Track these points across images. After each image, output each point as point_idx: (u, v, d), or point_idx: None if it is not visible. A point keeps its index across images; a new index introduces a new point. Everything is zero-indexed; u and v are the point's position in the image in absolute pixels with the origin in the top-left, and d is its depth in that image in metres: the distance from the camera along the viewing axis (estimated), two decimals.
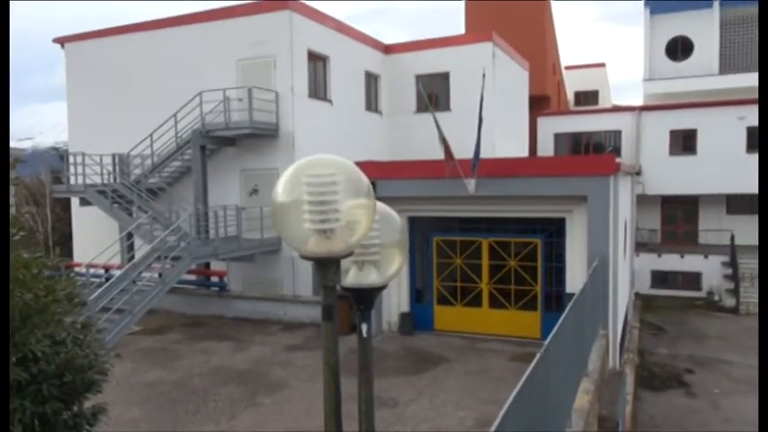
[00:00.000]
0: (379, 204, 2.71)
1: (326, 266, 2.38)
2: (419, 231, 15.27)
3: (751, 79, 29.63)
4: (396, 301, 15.13)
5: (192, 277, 17.65)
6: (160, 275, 14.13)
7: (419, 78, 22.07)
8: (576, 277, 12.93)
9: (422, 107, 21.48)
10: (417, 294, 15.45)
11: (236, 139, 17.92)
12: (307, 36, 18.21)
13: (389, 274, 2.75)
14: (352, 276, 2.71)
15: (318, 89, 19.19)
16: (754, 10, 30.10)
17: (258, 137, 17.47)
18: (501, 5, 28.75)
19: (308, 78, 18.34)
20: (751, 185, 25.60)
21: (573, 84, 38.89)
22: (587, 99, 39.36)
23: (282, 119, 17.64)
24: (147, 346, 14.11)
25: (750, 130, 25.70)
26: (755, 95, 26.91)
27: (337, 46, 19.82)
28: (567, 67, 37.82)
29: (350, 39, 20.73)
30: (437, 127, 13.02)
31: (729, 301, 23.83)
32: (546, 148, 29.40)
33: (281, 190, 2.35)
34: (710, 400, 14.54)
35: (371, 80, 22.34)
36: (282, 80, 17.60)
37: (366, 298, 2.72)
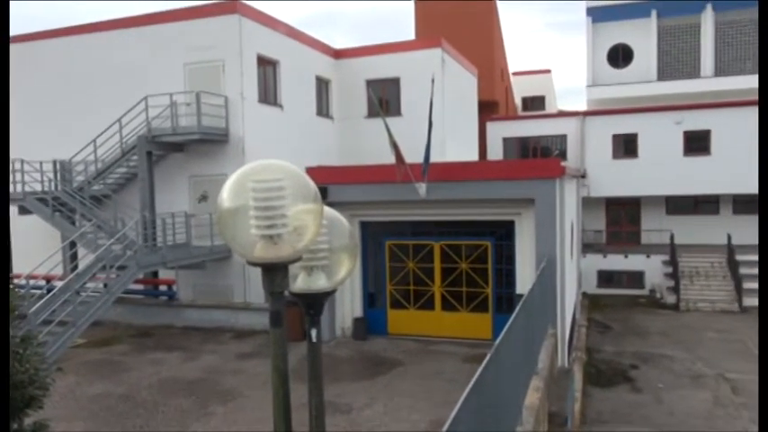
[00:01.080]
0: (328, 209, 2.72)
1: (274, 272, 2.37)
2: (371, 236, 15.31)
3: (687, 86, 31.06)
4: (349, 306, 15.11)
5: (140, 287, 17.17)
6: (105, 286, 13.70)
7: (370, 83, 22.19)
8: (525, 278, 13.22)
9: (373, 112, 21.58)
10: (371, 299, 15.48)
11: (185, 145, 17.57)
12: (256, 40, 18.04)
13: (339, 278, 2.76)
14: (300, 282, 2.70)
15: (269, 94, 19.02)
16: (688, 19, 31.51)
17: (207, 142, 17.18)
18: (450, 13, 29.19)
19: (257, 83, 18.16)
20: (688, 187, 26.81)
21: (520, 89, 39.81)
22: (534, 104, 40.35)
23: (232, 124, 17.40)
24: (93, 359, 13.64)
25: (687, 134, 26.86)
26: (691, 101, 28.20)
27: (288, 50, 19.71)
28: (515, 74, 38.70)
29: (300, 43, 20.65)
30: (388, 132, 13.10)
31: (670, 299, 24.78)
32: (495, 153, 29.96)
33: (226, 196, 2.33)
34: (654, 394, 15.05)
35: (322, 85, 22.31)
36: (232, 85, 17.37)
37: (315, 303, 2.72)
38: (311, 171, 14.61)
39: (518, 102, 39.96)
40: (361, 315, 15.18)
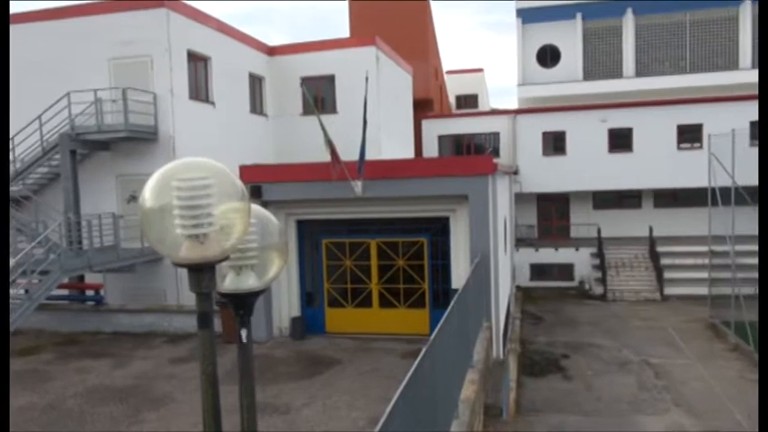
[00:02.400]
0: (257, 207, 2.68)
1: (201, 273, 2.31)
2: (308, 234, 15.21)
3: (611, 86, 32.45)
4: (286, 306, 14.96)
5: (65, 292, 16.39)
6: (27, 292, 12.99)
7: (304, 81, 21.98)
8: (460, 273, 13.47)
9: (308, 110, 21.41)
10: (308, 298, 15.37)
11: (111, 143, 16.89)
12: (186, 36, 17.54)
13: (269, 277, 2.72)
14: (229, 282, 2.65)
15: (200, 91, 18.54)
16: (611, 22, 32.91)
17: (135, 140, 16.57)
18: (384, 11, 29.33)
19: (188, 79, 17.67)
20: (612, 183, 28.01)
21: (454, 88, 40.49)
22: (468, 102, 41.15)
23: (162, 121, 16.86)
24: (15, 370, 12.90)
25: (611, 132, 28.07)
26: (616, 100, 29.49)
27: (219, 47, 19.27)
28: (449, 72, 39.32)
29: (233, 40, 20.22)
30: (323, 130, 13.05)
31: (598, 289, 25.86)
32: (430, 150, 30.37)
33: (148, 195, 2.25)
34: (584, 381, 15.66)
35: (256, 82, 21.95)
36: (161, 81, 16.82)
37: (245, 303, 2.68)
38: (245, 169, 14.39)
39: (452, 100, 40.63)
40: (298, 314, 15.06)
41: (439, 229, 14.47)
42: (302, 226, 15.04)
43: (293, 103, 22.45)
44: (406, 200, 13.85)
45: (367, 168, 13.18)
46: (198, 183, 2.26)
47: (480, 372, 10.19)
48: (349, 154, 13.58)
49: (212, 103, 18.92)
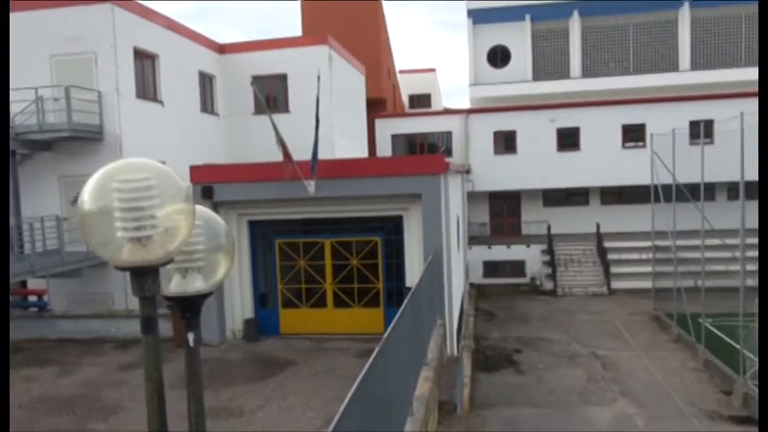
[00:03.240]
0: (203, 209, 2.64)
1: (143, 276, 2.26)
2: (261, 235, 15.05)
3: (559, 86, 33.26)
4: (239, 308, 14.76)
5: None
6: None
7: (256, 79, 21.72)
8: (414, 272, 13.57)
9: (260, 109, 21.16)
10: (262, 299, 15.21)
11: (54, 143, 16.29)
12: (132, 32, 17.07)
13: (216, 279, 2.69)
14: (175, 285, 2.61)
15: (148, 89, 18.08)
16: (558, 24, 33.71)
17: (80, 140, 16.04)
18: (336, 10, 29.25)
19: (135, 78, 17.21)
20: (561, 181, 28.73)
21: (407, 87, 40.71)
22: (421, 102, 41.46)
23: (107, 121, 16.37)
24: None
25: (559, 131, 28.77)
26: (564, 100, 30.25)
27: (168, 44, 18.84)
28: (401, 72, 39.51)
29: (181, 37, 19.80)
30: (274, 129, 12.93)
31: (548, 285, 26.49)
32: (384, 149, 30.47)
33: (87, 197, 2.19)
34: (536, 375, 16.04)
35: (206, 80, 21.56)
36: (106, 79, 16.33)
37: (192, 306, 2.64)
38: (196, 170, 14.12)
39: (405, 99, 40.86)
40: (252, 316, 14.88)
41: (392, 228, 14.54)
42: (255, 226, 14.87)
43: (245, 102, 22.15)
44: (360, 199, 13.87)
45: (320, 168, 13.13)
46: (140, 184, 2.22)
47: (434, 369, 10.29)
48: (302, 153, 13.50)
49: (161, 102, 18.48)
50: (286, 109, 21.85)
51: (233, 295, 14.62)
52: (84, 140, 16.09)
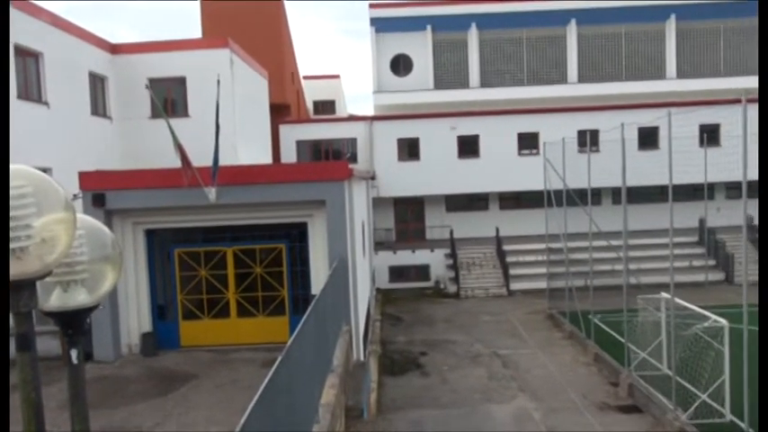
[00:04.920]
0: (86, 218, 2.51)
1: (19, 290, 2.11)
2: (159, 244, 14.41)
3: (460, 95, 34.43)
4: (136, 321, 14.04)
5: None
6: None
7: (153, 82, 20.78)
8: (320, 279, 13.49)
9: (157, 112, 20.28)
10: (160, 311, 14.54)
11: None
12: (11, 28, 15.82)
13: (101, 292, 2.55)
14: (55, 299, 2.45)
15: (31, 90, 16.83)
16: (458, 35, 34.90)
17: None
18: (237, 13, 28.64)
19: (15, 77, 15.96)
20: (463, 186, 29.67)
21: (312, 93, 40.57)
22: (325, 108, 41.44)
23: None
24: None
25: (460, 139, 29.74)
26: (464, 109, 31.32)
27: (53, 42, 17.62)
28: (306, 77, 39.30)
29: (68, 35, 18.60)
30: (172, 133, 12.45)
31: (452, 288, 27.27)
32: (289, 155, 30.15)
33: None
34: (441, 376, 16.44)
35: (98, 82, 20.38)
36: None
37: (74, 321, 2.49)
38: (86, 176, 13.31)
39: (310, 105, 40.68)
40: (149, 329, 14.19)
41: (297, 235, 14.40)
42: (152, 235, 14.22)
43: (141, 105, 21.12)
44: (263, 206, 13.63)
45: (222, 174, 12.77)
46: (13, 192, 2.07)
47: (340, 375, 10.29)
48: (203, 159, 13.07)
49: (46, 104, 17.26)
50: (185, 113, 21.10)
51: (129, 308, 13.89)
52: None
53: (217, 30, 27.42)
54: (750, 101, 9.93)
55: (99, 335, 13.18)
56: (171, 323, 14.47)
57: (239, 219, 14.03)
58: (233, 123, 20.62)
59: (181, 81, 21.47)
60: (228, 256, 14.34)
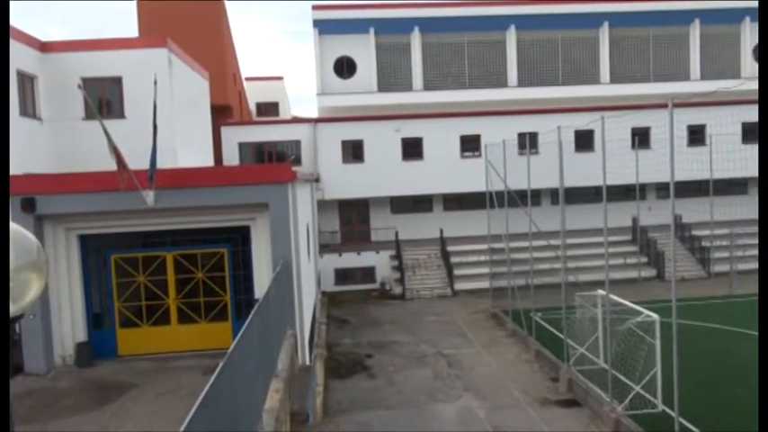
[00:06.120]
0: (10, 224, 2.39)
1: None
2: (93, 250, 13.90)
3: (403, 97, 34.71)
4: (69, 331, 13.48)
5: None
6: None
7: (87, 82, 20.00)
8: (264, 283, 13.32)
9: (91, 113, 19.54)
10: (96, 320, 14.03)
11: None
12: None
13: (26, 301, 2.44)
14: None
15: None
16: (401, 38, 35.18)
17: None
18: (175, 12, 27.94)
19: None
20: (407, 188, 29.91)
21: (254, 95, 40.02)
22: (268, 110, 40.93)
23: None
24: None
25: (404, 141, 29.96)
26: (408, 111, 31.58)
27: None
28: (248, 79, 38.74)
29: None
30: (106, 135, 12.03)
31: (397, 289, 27.42)
32: (231, 158, 29.61)
33: None
34: (387, 377, 16.49)
35: (26, 81, 19.45)
36: None
37: None
38: (14, 180, 12.67)
39: (252, 107, 40.10)
40: (84, 339, 13.65)
41: (240, 239, 14.18)
42: (86, 241, 13.70)
43: (74, 105, 20.28)
44: (204, 210, 13.35)
45: (160, 177, 12.43)
46: None
47: (285, 380, 10.18)
48: (140, 162, 12.68)
49: None
50: (121, 114, 20.41)
51: (62, 317, 13.33)
52: None
53: (154, 30, 26.69)
54: (678, 105, 10.44)
55: (30, 346, 12.60)
56: (108, 332, 13.98)
57: (179, 223, 13.69)
58: (172, 125, 20.08)
59: (116, 81, 20.74)
60: (168, 261, 13.97)
